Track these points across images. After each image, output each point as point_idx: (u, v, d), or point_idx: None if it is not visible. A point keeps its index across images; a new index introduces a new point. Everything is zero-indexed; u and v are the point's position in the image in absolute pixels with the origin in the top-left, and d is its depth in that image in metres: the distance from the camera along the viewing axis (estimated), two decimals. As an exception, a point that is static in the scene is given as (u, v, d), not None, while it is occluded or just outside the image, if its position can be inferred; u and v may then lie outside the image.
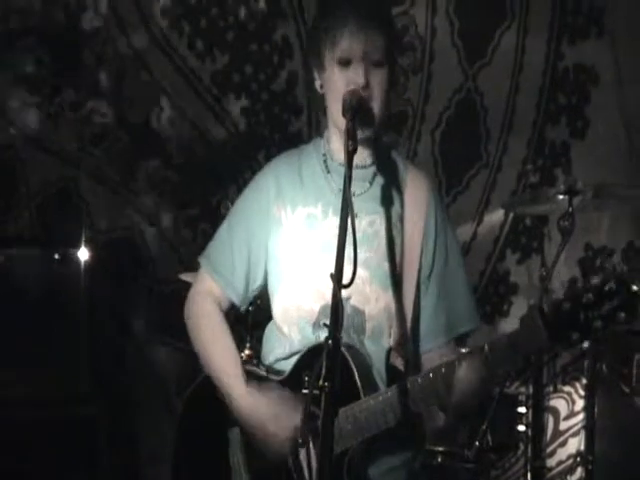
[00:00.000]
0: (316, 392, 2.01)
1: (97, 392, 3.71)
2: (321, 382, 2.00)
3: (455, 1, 4.74)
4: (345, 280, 2.07)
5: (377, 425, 2.31)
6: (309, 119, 4.59)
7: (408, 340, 2.48)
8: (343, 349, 2.21)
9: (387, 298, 2.46)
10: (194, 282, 2.67)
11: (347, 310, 2.41)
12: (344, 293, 2.10)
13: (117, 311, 4.21)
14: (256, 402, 2.41)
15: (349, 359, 2.34)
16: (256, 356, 2.64)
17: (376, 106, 2.40)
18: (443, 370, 2.27)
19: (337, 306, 2.06)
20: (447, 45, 4.75)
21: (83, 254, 3.74)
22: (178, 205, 4.38)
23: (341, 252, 2.10)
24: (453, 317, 2.49)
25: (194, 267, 4.10)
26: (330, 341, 2.03)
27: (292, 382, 2.42)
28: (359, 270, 2.24)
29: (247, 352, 3.55)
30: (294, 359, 2.47)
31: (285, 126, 4.55)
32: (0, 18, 4.17)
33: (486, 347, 2.23)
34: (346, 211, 2.12)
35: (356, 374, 2.34)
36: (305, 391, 2.08)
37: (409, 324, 2.47)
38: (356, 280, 2.07)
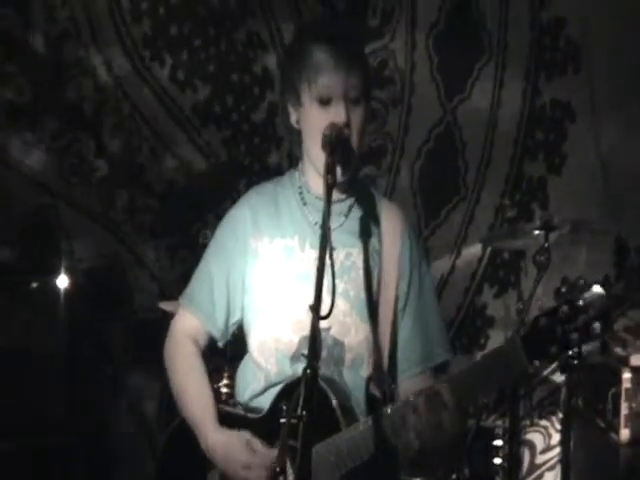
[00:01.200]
0: (294, 421, 2.01)
1: (73, 421, 3.68)
2: (299, 411, 2.00)
3: (434, 36, 4.80)
4: (324, 311, 2.07)
5: (359, 455, 2.31)
6: (290, 150, 4.60)
7: (385, 370, 2.49)
8: (321, 382, 2.22)
9: (366, 329, 2.47)
10: (173, 320, 2.66)
11: (327, 341, 2.43)
12: (324, 324, 2.13)
13: (96, 339, 4.20)
14: (228, 439, 2.41)
15: (328, 391, 2.34)
16: (232, 389, 2.63)
17: (355, 143, 2.43)
18: (412, 400, 2.28)
19: (315, 336, 2.06)
20: (426, 79, 4.81)
21: (62, 282, 3.74)
22: (157, 234, 4.38)
23: (320, 283, 2.11)
24: (427, 348, 2.52)
25: (173, 296, 4.13)
26: (308, 370, 2.03)
27: (271, 420, 2.41)
28: (339, 301, 2.31)
29: (225, 381, 3.55)
30: (271, 394, 2.46)
31: (265, 156, 4.57)
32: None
33: (457, 373, 2.26)
34: (324, 243, 2.14)
35: (336, 406, 2.34)
36: (283, 420, 2.06)
37: (386, 354, 2.48)
38: (336, 311, 2.09)
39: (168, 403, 4.28)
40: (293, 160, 4.52)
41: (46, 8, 4.22)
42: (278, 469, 2.04)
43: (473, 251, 4.78)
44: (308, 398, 2.01)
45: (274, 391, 2.46)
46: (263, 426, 2.43)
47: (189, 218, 4.33)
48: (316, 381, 2.05)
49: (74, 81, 4.28)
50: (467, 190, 4.83)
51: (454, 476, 3.41)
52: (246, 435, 2.41)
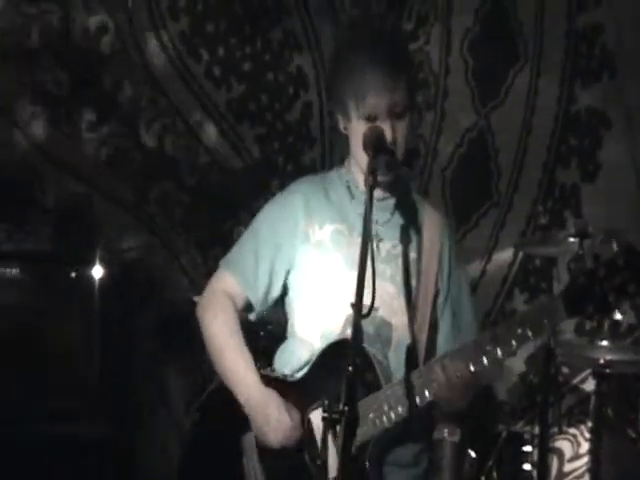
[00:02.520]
0: (335, 416, 2.05)
1: (105, 410, 3.70)
2: (341, 407, 2.04)
3: (469, 41, 4.78)
4: (367, 299, 2.16)
5: (397, 410, 2.37)
6: (322, 151, 4.62)
7: (422, 357, 2.55)
8: (367, 349, 2.35)
9: (409, 313, 2.54)
10: (210, 280, 2.69)
11: (376, 320, 2.50)
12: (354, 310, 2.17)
13: (127, 330, 4.21)
14: (268, 394, 2.48)
15: (372, 360, 2.43)
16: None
17: (400, 152, 2.50)
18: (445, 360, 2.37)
19: (357, 333, 2.14)
20: (461, 84, 4.79)
21: (97, 272, 3.76)
22: (190, 228, 4.40)
23: (361, 282, 2.17)
24: (457, 340, 2.58)
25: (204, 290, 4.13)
26: (350, 367, 2.08)
27: (310, 381, 2.50)
28: (387, 285, 2.46)
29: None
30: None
31: (299, 156, 4.58)
32: (21, 37, 4.20)
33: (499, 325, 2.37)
34: (366, 243, 2.20)
35: (379, 373, 2.43)
36: (324, 414, 2.10)
37: (424, 342, 2.56)
38: (384, 295, 2.25)
39: (197, 396, 4.34)
40: (326, 161, 4.60)
41: (85, 2, 4.25)
42: (319, 462, 2.08)
43: (504, 256, 4.76)
44: (351, 393, 2.05)
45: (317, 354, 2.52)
46: (302, 388, 2.50)
47: (221, 215, 4.35)
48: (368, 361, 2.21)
49: (111, 74, 4.31)
50: (499, 196, 4.81)
51: (483, 478, 3.41)
52: (282, 396, 2.48)
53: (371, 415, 2.37)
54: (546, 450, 3.55)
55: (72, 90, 4.25)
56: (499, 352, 2.34)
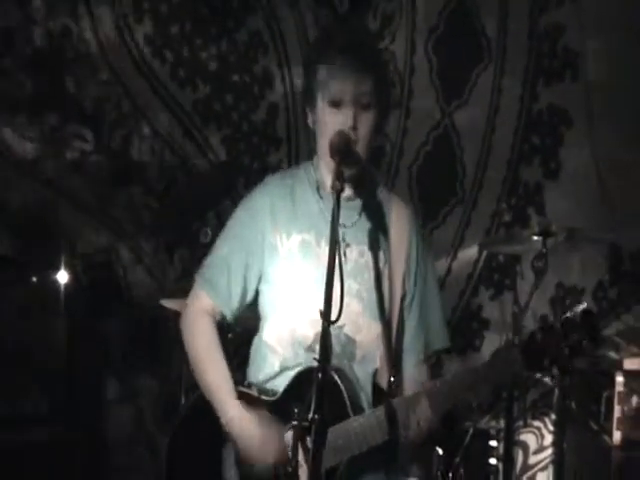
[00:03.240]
0: (305, 424, 2.10)
1: (71, 416, 3.69)
2: (311, 415, 2.09)
3: (434, 40, 4.82)
4: (335, 312, 2.19)
5: (365, 442, 2.42)
6: (289, 150, 4.63)
7: (391, 363, 2.58)
8: (332, 372, 2.34)
9: (377, 328, 2.57)
10: (189, 298, 2.71)
11: (341, 338, 2.54)
12: (338, 322, 2.21)
13: (93, 334, 4.21)
14: (246, 414, 2.49)
15: (338, 381, 2.44)
16: (241, 375, 2.69)
17: (361, 146, 2.51)
18: (413, 395, 2.45)
19: (326, 341, 2.18)
20: (425, 83, 4.83)
21: (62, 277, 3.74)
22: (157, 231, 4.40)
23: (329, 289, 2.20)
24: (429, 336, 2.65)
25: (172, 293, 4.15)
26: (319, 375, 2.13)
27: (284, 402, 2.50)
28: (352, 302, 2.47)
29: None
30: (286, 377, 2.54)
31: (265, 156, 4.60)
32: (-17, 41, 4.20)
33: (450, 376, 2.48)
34: (333, 252, 2.23)
35: (345, 395, 2.45)
36: (294, 423, 2.16)
37: (394, 347, 2.58)
38: (349, 311, 2.25)
39: (165, 399, 4.35)
40: (292, 160, 4.62)
41: (47, 3, 4.24)
42: (290, 469, 2.11)
43: (469, 253, 4.81)
44: (320, 401, 2.10)
45: (289, 375, 2.54)
46: (276, 408, 2.51)
47: (188, 216, 4.35)
48: (332, 380, 2.20)
49: (74, 77, 4.29)
50: (464, 193, 4.85)
51: (450, 476, 3.44)
52: (262, 413, 2.50)
53: (340, 442, 2.40)
54: (512, 444, 3.60)
55: (35, 94, 4.23)
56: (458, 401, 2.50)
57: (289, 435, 2.42)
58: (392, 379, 2.55)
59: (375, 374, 2.58)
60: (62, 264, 3.82)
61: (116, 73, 4.36)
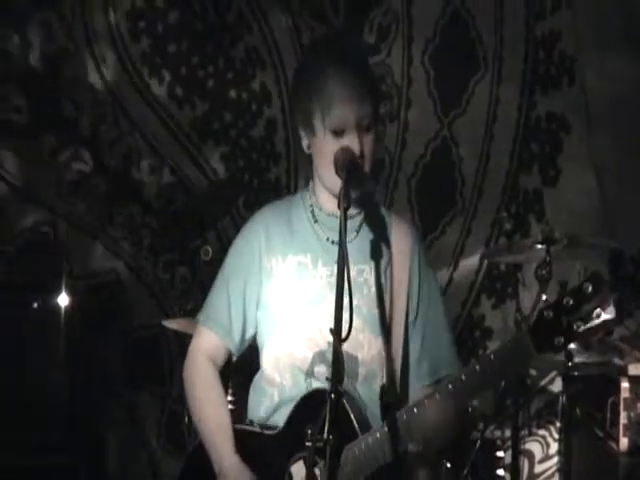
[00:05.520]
0: (319, 445, 2.06)
1: (72, 440, 3.68)
2: (325, 435, 2.06)
3: (430, 51, 4.84)
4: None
5: (375, 461, 2.36)
6: (287, 166, 4.65)
7: (397, 382, 2.54)
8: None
9: (378, 344, 2.52)
10: (193, 338, 2.69)
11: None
12: (333, 336, 2.17)
13: (94, 356, 4.22)
14: (242, 467, 2.46)
15: (346, 404, 2.38)
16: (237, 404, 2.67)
17: (367, 167, 2.46)
18: (425, 403, 2.35)
19: (338, 359, 2.14)
20: (423, 94, 4.84)
21: (63, 300, 3.74)
22: (157, 250, 4.41)
23: (339, 307, 2.17)
24: (436, 361, 2.57)
25: (173, 312, 4.16)
26: (332, 395, 2.09)
27: (287, 435, 2.47)
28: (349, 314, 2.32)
29: (230, 397, 3.56)
30: (286, 409, 2.51)
31: (264, 172, 4.61)
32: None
33: (474, 363, 2.34)
34: (342, 267, 2.19)
35: (353, 418, 2.39)
36: (308, 443, 2.10)
37: (399, 367, 2.54)
38: (346, 325, 2.14)
39: (168, 419, 4.35)
40: (291, 177, 4.63)
41: (44, 26, 4.26)
42: None
43: (470, 263, 4.81)
44: (333, 421, 2.06)
45: (289, 406, 2.50)
46: (280, 441, 2.48)
47: (188, 235, 4.36)
48: (340, 405, 2.11)
49: (72, 98, 4.31)
50: (464, 203, 4.86)
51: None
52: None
53: (349, 466, 2.35)
54: (518, 453, 3.59)
55: (32, 116, 4.25)
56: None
57: (296, 468, 2.40)
58: (385, 386, 2.51)
59: (383, 393, 2.50)
60: (62, 286, 3.82)
61: (113, 93, 4.38)
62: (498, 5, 4.91)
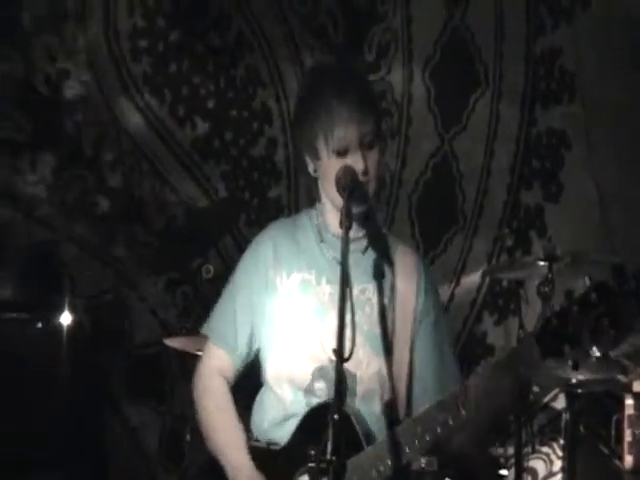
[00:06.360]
0: (323, 466, 2.06)
1: (74, 457, 3.69)
2: (329, 456, 2.05)
3: (431, 68, 4.85)
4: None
5: (378, 474, 2.36)
6: (288, 185, 4.65)
7: (400, 403, 2.55)
8: (348, 411, 2.31)
9: (379, 363, 2.53)
10: (202, 355, 2.71)
11: None
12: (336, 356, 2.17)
13: (97, 375, 4.22)
14: (254, 473, 2.48)
15: (354, 421, 2.41)
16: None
17: (372, 185, 2.49)
18: (424, 414, 2.36)
19: (341, 379, 2.15)
20: (423, 111, 4.86)
21: (66, 319, 3.75)
22: (158, 269, 4.41)
23: (342, 328, 2.17)
24: (441, 380, 2.57)
25: (174, 331, 4.16)
26: (336, 416, 2.09)
27: (292, 449, 2.48)
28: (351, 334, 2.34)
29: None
30: (290, 424, 2.52)
31: (264, 191, 4.61)
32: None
33: (472, 377, 2.36)
34: (344, 286, 2.21)
35: (359, 429, 2.42)
36: (311, 464, 2.10)
37: (402, 388, 2.55)
38: (349, 344, 2.16)
39: (168, 437, 4.34)
40: (292, 195, 4.63)
41: (46, 47, 4.28)
42: None
43: (472, 280, 4.81)
44: (337, 442, 2.06)
45: (292, 421, 2.52)
46: (285, 457, 2.49)
47: (189, 254, 4.36)
48: (346, 423, 2.12)
49: (73, 118, 4.33)
50: (465, 219, 4.86)
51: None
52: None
53: (355, 478, 2.35)
54: (521, 471, 3.56)
55: (34, 135, 4.26)
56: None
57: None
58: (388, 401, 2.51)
59: (387, 414, 2.52)
60: (65, 304, 3.82)
61: (114, 113, 4.39)
62: (498, 21, 4.93)
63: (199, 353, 3.04)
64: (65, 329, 3.75)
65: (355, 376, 2.51)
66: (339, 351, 2.15)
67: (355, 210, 2.37)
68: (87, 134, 4.35)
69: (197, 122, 4.53)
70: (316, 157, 2.50)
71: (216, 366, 2.65)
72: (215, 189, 4.55)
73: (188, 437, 3.64)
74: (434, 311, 2.61)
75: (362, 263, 2.56)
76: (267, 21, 4.63)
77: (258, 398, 2.66)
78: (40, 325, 3.75)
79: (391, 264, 2.58)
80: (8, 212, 4.25)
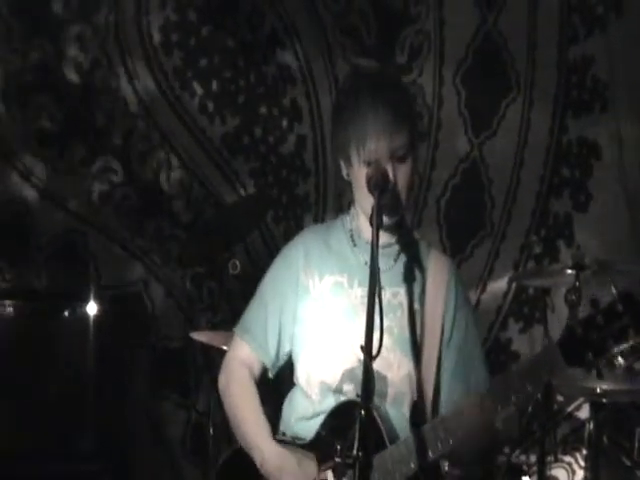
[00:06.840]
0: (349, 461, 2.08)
1: (101, 448, 3.69)
2: (355, 452, 2.06)
3: (462, 72, 4.83)
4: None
5: (401, 473, 2.37)
6: (317, 182, 4.64)
7: (428, 407, 2.55)
8: (373, 410, 2.27)
9: (409, 366, 2.54)
10: (229, 349, 2.75)
11: None
12: (364, 352, 2.18)
13: (122, 366, 4.22)
14: (283, 450, 2.51)
15: (378, 419, 2.41)
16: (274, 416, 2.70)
17: (402, 196, 2.50)
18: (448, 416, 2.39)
19: (368, 377, 2.15)
20: (454, 115, 4.83)
21: (91, 309, 3.76)
22: (185, 263, 4.41)
23: (370, 325, 2.18)
24: (469, 388, 2.56)
25: (200, 325, 4.15)
26: (362, 412, 2.09)
27: (318, 444, 2.50)
28: (383, 337, 2.33)
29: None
30: (316, 422, 2.54)
31: (293, 188, 4.61)
32: (16, 74, 4.24)
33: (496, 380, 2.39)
34: (373, 284, 2.22)
35: (384, 430, 2.42)
36: (337, 459, 2.14)
37: (430, 393, 2.55)
38: (376, 344, 2.16)
39: (193, 431, 4.34)
40: (320, 193, 4.62)
41: (78, 38, 4.29)
42: None
43: (498, 286, 4.78)
44: (363, 439, 2.06)
45: (319, 419, 2.53)
46: (311, 450, 2.50)
47: (216, 248, 4.35)
48: (370, 422, 2.11)
49: (104, 109, 4.33)
50: (493, 226, 4.83)
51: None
52: (298, 452, 2.50)
53: (377, 476, 2.34)
54: (544, 479, 3.55)
55: (65, 126, 4.27)
56: (499, 408, 2.34)
57: (328, 475, 2.41)
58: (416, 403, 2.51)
59: (414, 418, 2.52)
60: (91, 296, 3.83)
61: (145, 106, 4.40)
62: (531, 28, 4.90)
63: (224, 348, 3.05)
64: (91, 319, 3.75)
65: (385, 378, 2.52)
66: (367, 347, 2.16)
67: (386, 222, 2.40)
68: (117, 126, 4.36)
69: (227, 117, 4.53)
70: (349, 163, 2.53)
71: (242, 360, 2.68)
72: (243, 185, 4.54)
73: (211, 431, 3.64)
74: (465, 317, 2.61)
75: (394, 268, 2.59)
76: (300, 18, 4.62)
77: (288, 397, 2.69)
78: (66, 314, 3.75)
79: (423, 269, 2.60)
80: (36, 202, 4.26)
